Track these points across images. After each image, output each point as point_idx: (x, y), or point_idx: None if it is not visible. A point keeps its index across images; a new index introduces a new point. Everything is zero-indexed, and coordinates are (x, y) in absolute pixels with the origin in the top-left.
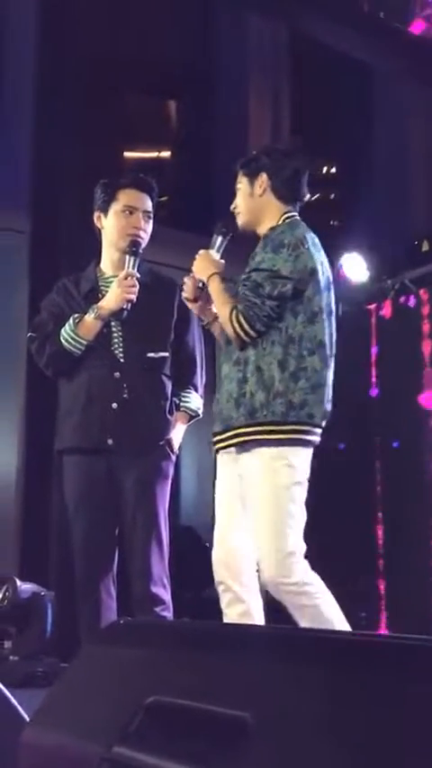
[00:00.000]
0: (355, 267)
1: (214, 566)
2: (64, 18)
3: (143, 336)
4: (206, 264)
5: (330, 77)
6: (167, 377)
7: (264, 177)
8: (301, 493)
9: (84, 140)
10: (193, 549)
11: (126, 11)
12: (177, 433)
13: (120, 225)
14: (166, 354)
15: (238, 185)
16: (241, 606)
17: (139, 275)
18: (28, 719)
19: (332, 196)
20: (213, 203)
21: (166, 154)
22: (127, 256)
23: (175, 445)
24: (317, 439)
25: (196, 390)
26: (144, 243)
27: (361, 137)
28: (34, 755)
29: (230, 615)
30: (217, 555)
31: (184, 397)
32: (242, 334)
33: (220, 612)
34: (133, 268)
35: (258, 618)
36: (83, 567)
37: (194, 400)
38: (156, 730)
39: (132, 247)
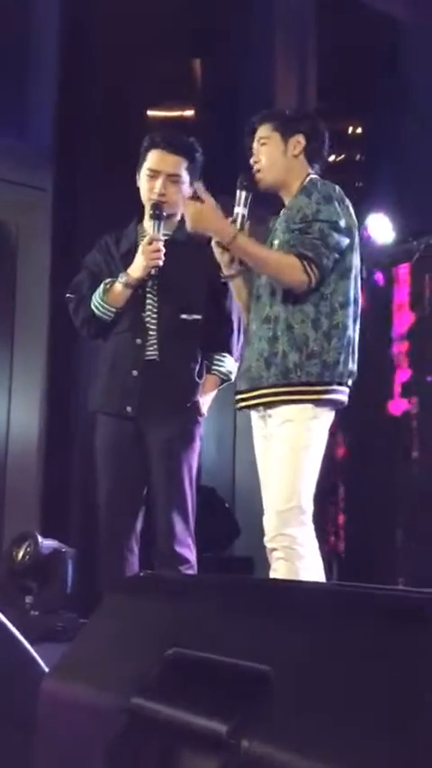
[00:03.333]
0: (381, 228)
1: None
2: None
3: (177, 297)
4: (220, 222)
5: (358, 35)
6: (200, 339)
7: (300, 137)
8: (321, 454)
9: (107, 98)
10: (212, 510)
11: None
12: (207, 396)
13: (144, 188)
14: (200, 317)
15: (265, 140)
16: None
17: (164, 238)
18: (47, 671)
19: (357, 157)
20: (238, 163)
21: (189, 113)
22: (151, 221)
23: (204, 408)
24: (345, 399)
25: (231, 354)
26: (171, 206)
27: (388, 96)
28: (53, 705)
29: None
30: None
31: (217, 360)
32: (313, 280)
33: (237, 571)
34: (157, 232)
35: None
36: (106, 523)
37: (228, 364)
38: (176, 682)
39: (155, 211)
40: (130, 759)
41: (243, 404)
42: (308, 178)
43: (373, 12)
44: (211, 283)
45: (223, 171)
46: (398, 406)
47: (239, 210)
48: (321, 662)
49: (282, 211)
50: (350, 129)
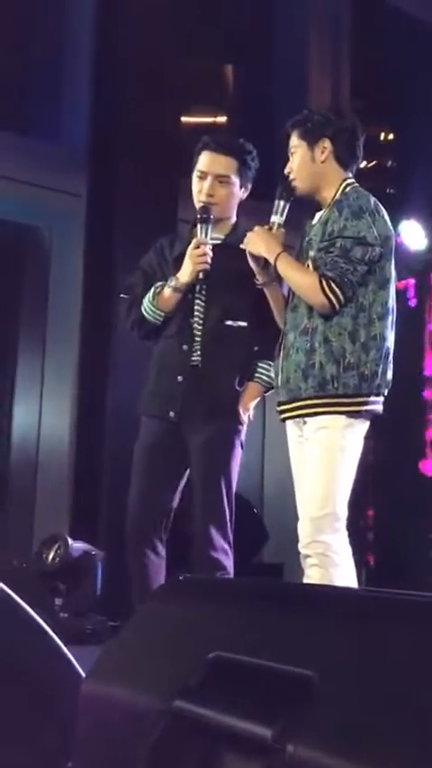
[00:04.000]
0: (413, 235)
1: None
2: None
3: (224, 303)
4: (268, 243)
5: (392, 39)
6: (246, 345)
7: (326, 142)
8: (355, 461)
9: (141, 104)
10: (242, 516)
11: None
12: (249, 403)
13: (194, 191)
14: (245, 324)
15: (294, 149)
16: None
17: (212, 242)
18: (83, 675)
19: (389, 163)
20: (273, 168)
21: (222, 119)
22: (198, 224)
23: (244, 416)
24: (380, 408)
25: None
26: (220, 209)
27: (421, 102)
28: (94, 708)
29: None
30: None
31: (262, 367)
32: (335, 301)
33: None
34: (205, 235)
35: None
36: (133, 522)
37: (272, 372)
38: (217, 686)
39: (202, 214)
40: (172, 761)
41: (284, 415)
42: (344, 185)
43: (407, 17)
44: (259, 290)
45: (257, 175)
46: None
47: (275, 219)
48: (365, 667)
49: (317, 216)
50: (382, 136)
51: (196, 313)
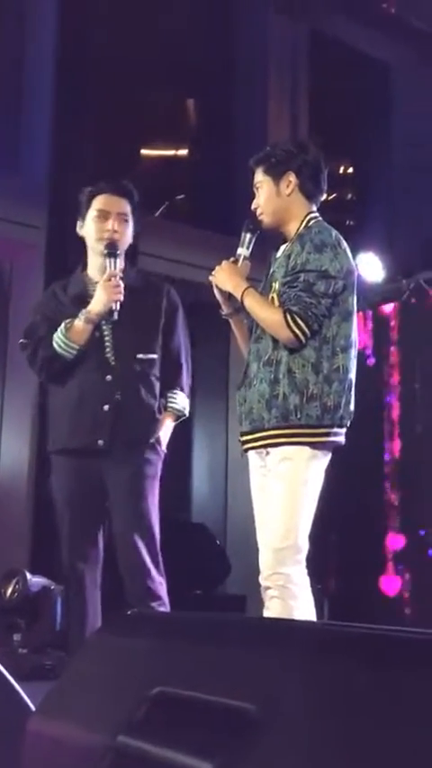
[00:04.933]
0: (371, 267)
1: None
2: (85, 12)
3: (133, 339)
4: (235, 279)
5: (349, 76)
6: (156, 378)
7: (291, 176)
8: (317, 493)
9: (102, 137)
10: (204, 547)
11: (146, 8)
12: (166, 432)
13: (95, 229)
14: (155, 356)
15: (259, 184)
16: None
17: (121, 274)
18: (34, 709)
19: (348, 196)
20: (234, 200)
21: (183, 151)
22: (107, 258)
23: (164, 444)
24: (342, 440)
25: (182, 391)
26: (123, 244)
27: (378, 136)
28: (39, 744)
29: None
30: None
31: (171, 397)
32: (300, 335)
33: (229, 610)
34: (115, 268)
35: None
36: (69, 559)
37: (181, 401)
38: (162, 721)
39: (110, 249)
40: None
41: (247, 446)
42: (308, 218)
43: (363, 56)
44: (162, 325)
45: (218, 208)
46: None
47: (242, 252)
48: (309, 701)
49: (282, 249)
50: (341, 169)
51: (107, 347)
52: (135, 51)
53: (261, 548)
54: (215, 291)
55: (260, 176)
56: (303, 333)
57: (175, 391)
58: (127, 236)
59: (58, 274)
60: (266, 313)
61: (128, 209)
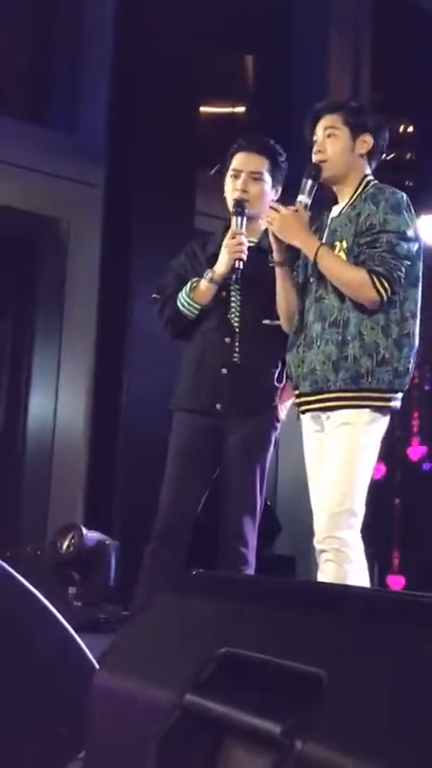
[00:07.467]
0: (430, 229)
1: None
2: None
3: (260, 303)
4: (302, 233)
5: (411, 32)
6: (282, 344)
7: (368, 137)
8: (375, 458)
9: (159, 95)
10: None
11: None
12: (286, 401)
13: (228, 190)
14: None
15: (333, 132)
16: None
17: (245, 233)
18: (95, 665)
19: (408, 156)
20: (290, 161)
21: (241, 110)
22: (234, 217)
23: (283, 413)
24: (399, 405)
25: None
26: (255, 203)
27: None
28: (106, 699)
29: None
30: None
31: None
32: (385, 296)
33: (278, 571)
34: (240, 227)
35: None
36: (164, 528)
37: None
38: (229, 681)
39: (237, 207)
40: (182, 754)
41: (305, 407)
42: (367, 180)
43: (425, 12)
44: None
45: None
46: None
47: (303, 199)
48: (374, 666)
49: (341, 210)
50: (401, 128)
51: (233, 310)
52: (193, 8)
53: (316, 511)
54: (270, 238)
55: (336, 123)
56: (387, 294)
57: None
58: (259, 196)
59: (115, 233)
60: (350, 273)
61: (264, 167)
